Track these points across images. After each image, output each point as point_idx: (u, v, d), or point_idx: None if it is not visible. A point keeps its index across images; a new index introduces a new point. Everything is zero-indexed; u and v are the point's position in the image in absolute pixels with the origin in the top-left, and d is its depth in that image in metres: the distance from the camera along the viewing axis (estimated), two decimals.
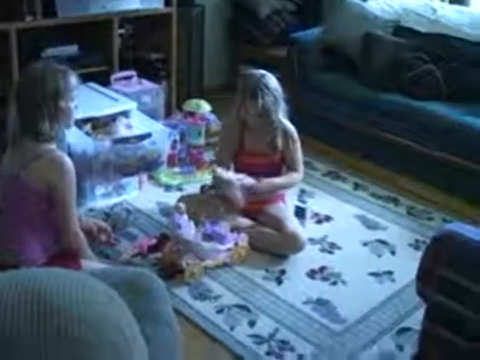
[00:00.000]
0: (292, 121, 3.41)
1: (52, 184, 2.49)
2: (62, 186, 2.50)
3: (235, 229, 3.21)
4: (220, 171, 3.23)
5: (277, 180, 3.36)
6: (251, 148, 3.38)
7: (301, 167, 3.42)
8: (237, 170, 3.36)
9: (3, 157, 2.61)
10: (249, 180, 3.23)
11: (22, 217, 2.56)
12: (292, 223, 3.28)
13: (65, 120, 2.60)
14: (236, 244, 3.13)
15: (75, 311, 0.78)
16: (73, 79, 2.60)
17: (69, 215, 2.56)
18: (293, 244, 3.20)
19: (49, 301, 0.77)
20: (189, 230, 3.03)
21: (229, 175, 3.23)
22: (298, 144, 3.40)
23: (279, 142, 3.34)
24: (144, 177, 3.86)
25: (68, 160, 2.53)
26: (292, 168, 3.40)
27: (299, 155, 3.41)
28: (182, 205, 3.07)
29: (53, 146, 2.56)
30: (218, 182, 3.26)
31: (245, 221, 3.33)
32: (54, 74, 2.54)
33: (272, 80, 3.28)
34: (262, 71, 3.32)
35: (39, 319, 0.76)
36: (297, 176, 3.42)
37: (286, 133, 3.36)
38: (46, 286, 0.80)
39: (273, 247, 3.23)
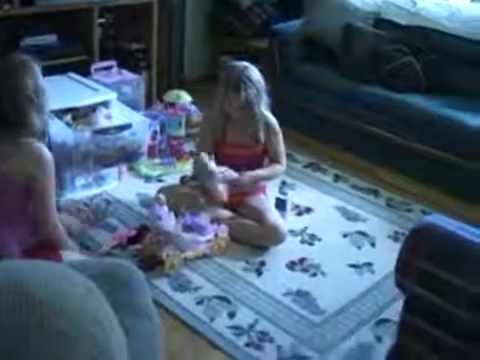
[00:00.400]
0: (273, 113, 3.41)
1: (32, 175, 2.47)
2: (42, 177, 2.48)
3: (215, 220, 3.21)
4: (204, 156, 3.21)
5: (260, 172, 3.36)
6: (233, 140, 3.37)
7: (284, 159, 3.42)
8: (219, 162, 3.34)
9: None
10: (231, 173, 3.22)
11: (0, 213, 2.53)
12: (273, 215, 3.28)
13: (46, 101, 2.56)
14: (216, 235, 3.13)
15: (56, 304, 0.78)
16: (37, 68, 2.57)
17: (48, 206, 2.54)
18: (274, 236, 3.20)
19: (32, 293, 0.77)
20: (169, 221, 3.03)
21: (212, 166, 3.21)
22: (280, 136, 3.40)
23: (261, 134, 3.34)
24: (124, 168, 3.84)
25: (47, 151, 2.51)
26: (275, 160, 3.40)
27: (281, 147, 3.41)
28: (162, 196, 3.06)
29: (31, 138, 2.53)
30: (201, 168, 3.22)
31: (225, 212, 3.33)
32: (25, 63, 2.51)
33: (255, 72, 3.27)
34: (245, 63, 3.31)
35: (22, 311, 0.75)
36: (280, 168, 3.42)
37: (268, 126, 3.35)
38: (29, 278, 0.79)
39: (253, 239, 3.23)
